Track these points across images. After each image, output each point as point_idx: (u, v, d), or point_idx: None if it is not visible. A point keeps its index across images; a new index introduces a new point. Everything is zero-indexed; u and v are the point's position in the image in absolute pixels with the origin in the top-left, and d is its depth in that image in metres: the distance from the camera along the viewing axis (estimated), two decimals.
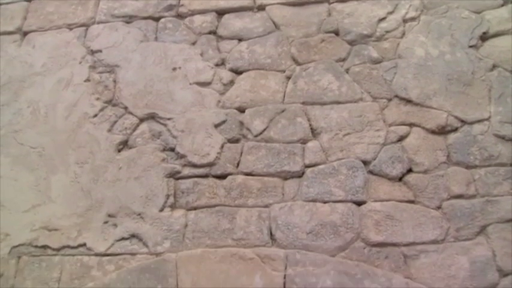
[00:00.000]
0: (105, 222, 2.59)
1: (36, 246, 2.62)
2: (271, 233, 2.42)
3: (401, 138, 2.59)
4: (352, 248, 2.36)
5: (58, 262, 2.56)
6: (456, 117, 2.61)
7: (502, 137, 2.55)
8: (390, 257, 2.33)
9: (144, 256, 2.47)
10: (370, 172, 2.52)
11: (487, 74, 2.69)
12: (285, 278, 2.28)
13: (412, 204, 2.44)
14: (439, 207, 2.43)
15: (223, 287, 2.29)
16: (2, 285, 2.57)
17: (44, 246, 2.61)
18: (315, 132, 2.64)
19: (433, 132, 2.59)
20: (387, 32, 2.86)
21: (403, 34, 2.84)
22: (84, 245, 2.56)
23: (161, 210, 2.55)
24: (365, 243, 2.37)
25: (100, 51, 3.08)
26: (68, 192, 2.71)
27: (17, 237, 2.66)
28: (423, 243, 2.35)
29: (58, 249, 2.59)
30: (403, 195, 2.46)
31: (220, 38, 3.00)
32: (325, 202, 2.46)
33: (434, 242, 2.36)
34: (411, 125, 2.62)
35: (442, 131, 2.59)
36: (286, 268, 2.30)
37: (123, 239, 2.53)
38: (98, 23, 3.19)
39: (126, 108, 2.86)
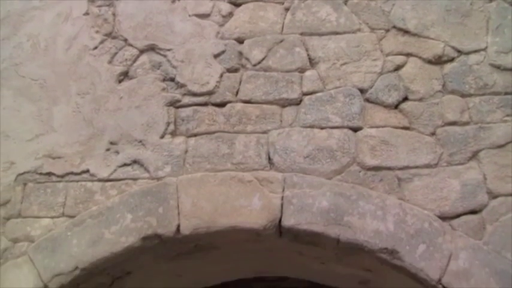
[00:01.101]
0: (108, 150, 2.66)
1: (40, 174, 2.69)
2: (269, 158, 2.49)
3: (397, 68, 2.62)
4: (348, 172, 2.43)
5: (62, 188, 2.64)
6: (453, 48, 2.64)
7: (498, 67, 2.58)
8: (385, 180, 2.41)
9: (146, 181, 2.54)
10: (367, 100, 2.57)
11: (486, 5, 2.70)
12: (282, 199, 2.36)
13: (407, 130, 2.50)
14: (433, 134, 2.49)
15: (223, 207, 2.37)
16: (10, 210, 2.65)
17: (49, 173, 2.68)
18: (312, 62, 2.67)
19: (429, 62, 2.63)
20: None
21: None
22: (87, 171, 2.63)
23: (162, 137, 2.61)
24: (360, 167, 2.44)
25: None
26: (70, 121, 2.77)
27: (22, 165, 2.72)
28: (417, 167, 2.43)
29: (62, 176, 2.66)
30: (398, 122, 2.52)
31: None
32: (322, 128, 2.51)
33: (427, 166, 2.43)
34: (408, 54, 2.65)
35: (439, 60, 2.62)
36: (283, 190, 2.38)
37: (125, 165, 2.60)
38: None
39: (126, 40, 2.88)
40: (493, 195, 2.36)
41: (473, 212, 2.34)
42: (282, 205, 2.35)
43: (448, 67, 2.61)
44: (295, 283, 4.37)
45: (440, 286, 2.22)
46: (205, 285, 3.67)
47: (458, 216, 2.34)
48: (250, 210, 2.35)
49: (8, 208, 2.66)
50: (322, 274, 3.15)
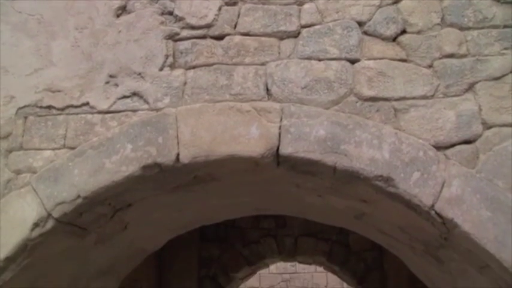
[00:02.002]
0: (107, 83, 2.67)
1: (41, 107, 2.71)
2: (267, 89, 2.51)
3: (396, 1, 2.62)
4: (345, 102, 2.46)
5: (63, 120, 2.67)
6: None
7: (497, 0, 2.57)
8: (381, 110, 2.44)
9: (145, 112, 2.57)
10: (365, 33, 2.58)
11: None
12: (280, 128, 2.40)
13: (405, 62, 2.52)
14: (430, 66, 2.51)
15: (221, 137, 2.41)
16: (11, 143, 2.69)
17: (49, 107, 2.70)
18: None
19: None
20: None
21: None
22: (87, 104, 2.66)
23: (161, 69, 2.62)
24: (357, 97, 2.47)
25: None
26: (69, 55, 2.77)
27: (22, 99, 2.74)
28: (413, 98, 2.45)
29: (62, 109, 2.69)
30: (396, 54, 2.53)
31: None
32: (320, 60, 2.53)
33: (424, 97, 2.46)
34: None
35: None
36: (281, 120, 2.41)
37: (124, 97, 2.62)
38: None
39: None
40: (488, 126, 2.39)
41: (467, 141, 2.38)
42: (279, 134, 2.39)
43: (447, 0, 2.60)
44: None
45: (433, 212, 2.28)
46: (206, 222, 3.76)
47: (452, 145, 2.38)
48: (249, 139, 2.39)
49: (9, 141, 2.70)
50: (319, 210, 3.22)
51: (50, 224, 2.51)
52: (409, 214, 2.45)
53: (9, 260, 2.49)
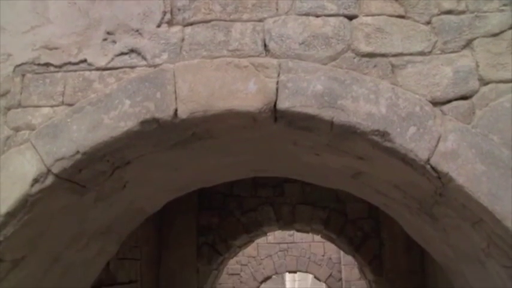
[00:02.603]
0: (104, 40, 2.67)
1: (38, 64, 2.71)
2: (265, 45, 2.51)
3: None
4: (343, 58, 2.46)
5: (61, 78, 2.67)
6: None
7: None
8: (378, 66, 2.45)
9: (143, 68, 2.57)
10: None
11: None
12: (277, 83, 2.40)
13: (403, 19, 2.51)
14: (428, 22, 2.50)
15: (219, 92, 2.42)
16: (10, 101, 2.70)
17: (46, 64, 2.70)
18: None
19: None
20: None
21: None
22: (85, 61, 2.66)
23: (158, 26, 2.61)
24: (355, 53, 2.47)
25: None
26: (66, 13, 2.75)
27: (19, 56, 2.74)
28: (411, 54, 2.46)
29: (60, 66, 2.68)
30: (394, 10, 2.52)
31: None
32: (317, 16, 2.52)
33: (421, 53, 2.46)
34: None
35: None
36: (279, 75, 2.42)
37: (122, 54, 2.62)
38: None
39: None
40: (484, 82, 2.40)
41: (463, 97, 2.40)
42: (277, 89, 2.39)
43: None
44: None
45: (428, 166, 2.31)
46: (204, 184, 3.79)
47: (449, 101, 2.39)
48: (246, 94, 2.40)
49: (8, 99, 2.70)
50: (316, 170, 3.25)
51: (49, 179, 2.53)
52: (405, 170, 2.48)
53: (10, 215, 2.52)
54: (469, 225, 2.56)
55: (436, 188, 2.45)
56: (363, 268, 8.27)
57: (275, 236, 13.42)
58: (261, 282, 13.86)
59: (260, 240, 13.10)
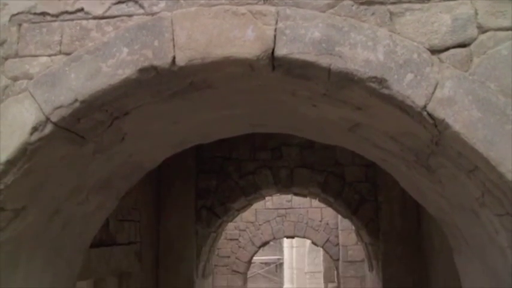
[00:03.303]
0: None
1: (35, 14, 2.69)
2: None
3: None
4: (341, 6, 2.45)
5: (58, 27, 2.66)
6: None
7: None
8: (377, 14, 2.44)
9: (141, 17, 2.56)
10: None
11: None
12: (275, 30, 2.40)
13: None
14: None
15: (217, 39, 2.41)
16: (7, 50, 2.69)
17: (43, 13, 2.68)
18: None
19: None
20: None
21: None
22: (81, 9, 2.64)
23: None
24: (353, 1, 2.45)
25: None
26: None
27: (14, 6, 2.72)
28: (409, 1, 2.44)
29: (57, 15, 2.67)
30: None
31: None
32: None
33: (420, 1, 2.44)
34: None
35: None
36: (276, 22, 2.41)
37: (119, 2, 2.60)
38: None
39: None
40: (483, 30, 2.40)
41: (461, 45, 2.39)
42: (275, 36, 2.39)
43: None
44: None
45: (425, 113, 2.32)
46: (202, 140, 3.82)
47: (447, 49, 2.39)
48: (244, 41, 2.39)
49: (5, 48, 2.70)
50: (314, 124, 3.27)
51: (48, 128, 2.55)
52: (401, 118, 2.50)
53: (10, 163, 2.55)
54: (464, 174, 2.59)
55: (433, 137, 2.47)
56: (359, 231, 8.39)
57: (273, 201, 13.55)
58: (259, 247, 14.06)
59: (258, 206, 13.24)
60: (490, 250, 2.83)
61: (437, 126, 2.35)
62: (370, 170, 7.82)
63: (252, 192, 7.88)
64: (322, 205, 12.75)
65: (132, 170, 3.64)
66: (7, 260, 2.91)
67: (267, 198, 12.68)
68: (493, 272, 2.91)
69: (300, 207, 13.54)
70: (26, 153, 2.56)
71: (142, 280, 7.01)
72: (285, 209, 13.57)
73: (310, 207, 13.45)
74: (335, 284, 14.32)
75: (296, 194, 8.83)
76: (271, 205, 13.57)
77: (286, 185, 7.84)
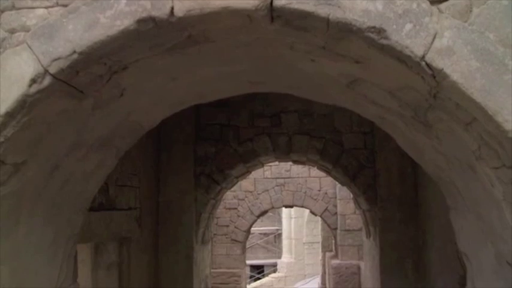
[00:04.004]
0: None
1: None
2: None
3: None
4: None
5: None
6: None
7: None
8: None
9: None
10: None
11: None
12: None
13: None
14: None
15: None
16: (3, 3, 2.67)
17: None
18: None
19: None
20: None
21: None
22: None
23: None
24: None
25: None
26: None
27: None
28: None
29: None
30: None
31: None
32: None
33: None
34: None
35: None
36: None
37: None
38: None
39: None
40: None
41: None
42: None
43: None
44: None
45: (423, 63, 2.32)
46: (200, 100, 3.82)
47: None
48: None
49: (1, 1, 2.68)
50: (312, 80, 3.27)
51: (47, 80, 2.55)
52: (400, 71, 2.50)
53: (9, 115, 2.55)
54: (461, 127, 2.60)
55: (431, 88, 2.48)
56: (357, 198, 8.46)
57: (272, 171, 13.62)
58: (258, 216, 14.19)
59: (257, 175, 13.32)
60: (486, 205, 2.87)
61: (436, 76, 2.35)
62: (368, 137, 7.84)
63: (250, 159, 7.92)
64: (321, 174, 12.83)
65: (131, 129, 3.65)
66: (9, 214, 2.95)
67: (265, 167, 12.76)
68: (488, 226, 2.96)
69: (298, 177, 13.62)
70: (25, 106, 2.56)
71: (142, 245, 7.10)
72: (284, 178, 13.65)
73: (309, 177, 13.54)
74: (333, 253, 14.50)
75: (295, 162, 8.88)
76: (270, 175, 13.65)
77: (284, 152, 7.87)
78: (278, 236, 27.59)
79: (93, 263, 6.41)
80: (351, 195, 10.67)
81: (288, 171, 13.57)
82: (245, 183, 13.47)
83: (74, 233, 3.84)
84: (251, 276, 25.54)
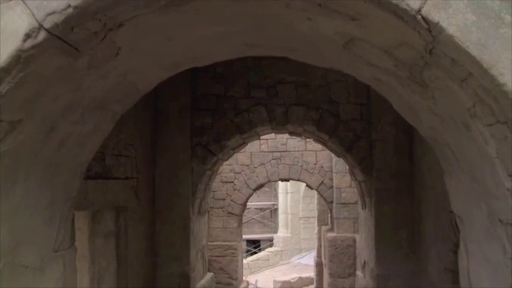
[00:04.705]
0: None
1: None
2: None
3: None
4: None
5: None
6: None
7: None
8: None
9: None
10: None
11: None
12: None
13: None
14: None
15: None
16: None
17: None
18: None
19: None
20: None
21: None
22: None
23: None
24: None
25: None
26: None
27: None
28: None
29: None
30: None
31: None
32: None
33: None
34: None
35: None
36: None
37: None
38: None
39: None
40: None
41: None
42: None
43: None
44: None
45: (419, 16, 2.32)
46: (197, 63, 3.81)
47: None
48: None
49: None
50: (308, 41, 3.26)
51: (41, 35, 2.53)
52: (396, 27, 2.49)
53: (4, 71, 2.54)
54: (457, 84, 2.61)
55: (427, 44, 2.48)
56: (353, 170, 8.51)
57: (268, 144, 13.66)
58: (255, 190, 14.27)
59: (253, 149, 13.36)
60: (479, 164, 2.90)
61: (431, 31, 2.35)
62: (364, 108, 7.86)
63: (247, 130, 7.94)
64: (317, 148, 12.88)
65: (127, 92, 3.64)
66: (6, 174, 2.96)
67: (262, 141, 12.79)
68: (481, 186, 2.99)
69: (294, 150, 13.67)
70: (20, 61, 2.55)
71: (139, 215, 7.16)
72: (280, 152, 13.69)
73: (305, 150, 13.58)
74: (328, 227, 14.64)
75: (291, 133, 8.90)
76: (266, 148, 13.69)
77: (281, 123, 7.89)
78: (274, 211, 27.82)
79: (91, 232, 6.47)
80: (347, 169, 10.73)
81: (284, 144, 13.60)
82: (241, 157, 13.52)
83: (70, 196, 3.86)
84: (248, 251, 25.81)
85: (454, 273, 5.41)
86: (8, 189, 3.04)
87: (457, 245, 4.76)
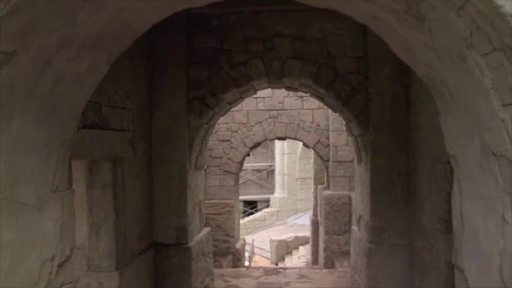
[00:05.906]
0: None
1: None
2: None
3: None
4: None
5: None
6: None
7: None
8: None
9: None
10: None
11: None
12: None
13: None
14: None
15: None
16: None
17: None
18: None
19: None
20: None
21: None
22: None
23: None
24: None
25: None
26: None
27: None
28: None
29: None
30: None
31: None
32: None
33: None
34: None
35: None
36: None
37: None
38: None
39: None
40: None
41: None
42: None
43: None
44: None
45: None
46: (192, 4, 3.76)
47: None
48: None
49: None
50: None
51: None
52: None
53: None
54: (454, 13, 2.60)
55: None
56: (349, 124, 8.52)
57: (265, 103, 13.64)
58: (251, 148, 14.33)
59: (250, 107, 13.35)
60: (474, 97, 2.91)
61: None
62: (361, 61, 7.82)
63: (243, 83, 7.91)
64: (314, 106, 12.88)
65: (122, 30, 3.61)
66: (2, 108, 2.95)
67: (258, 99, 12.77)
68: (475, 120, 3.01)
69: (291, 109, 13.67)
70: None
71: (136, 167, 7.19)
72: (277, 110, 13.70)
73: (302, 109, 13.59)
74: (324, 185, 14.77)
75: (287, 88, 8.88)
76: (263, 106, 13.69)
77: (277, 76, 7.86)
78: (271, 172, 28.01)
79: (88, 183, 6.52)
80: (343, 127, 10.76)
81: (281, 103, 13.60)
82: (238, 115, 13.52)
83: (67, 138, 3.87)
84: (244, 212, 26.11)
85: (448, 223, 5.49)
86: (4, 124, 3.04)
87: (450, 194, 4.81)
